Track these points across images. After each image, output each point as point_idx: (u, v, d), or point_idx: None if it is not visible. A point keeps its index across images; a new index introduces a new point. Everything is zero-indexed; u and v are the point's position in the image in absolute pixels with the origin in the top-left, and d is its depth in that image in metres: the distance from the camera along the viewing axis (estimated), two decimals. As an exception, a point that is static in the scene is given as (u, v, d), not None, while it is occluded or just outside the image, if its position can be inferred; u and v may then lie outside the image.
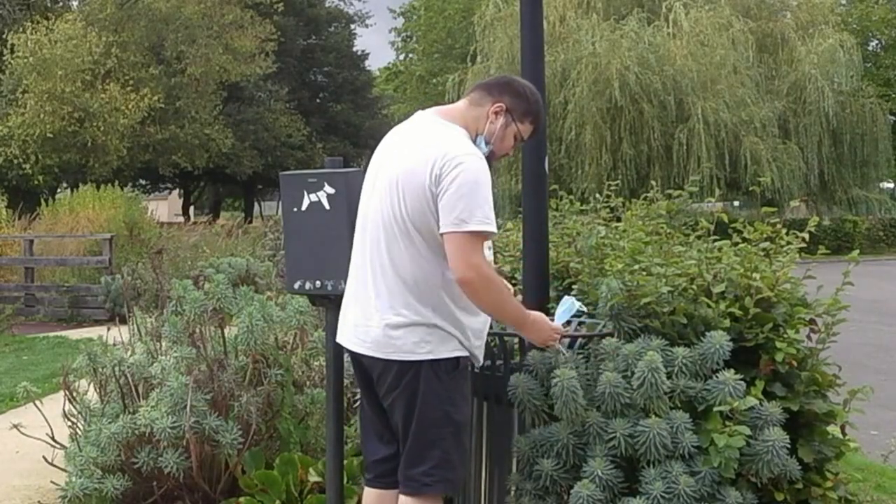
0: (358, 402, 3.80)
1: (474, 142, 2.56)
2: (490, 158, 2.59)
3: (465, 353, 2.52)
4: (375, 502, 2.68)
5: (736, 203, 27.88)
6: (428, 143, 2.48)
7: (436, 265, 2.45)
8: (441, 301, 2.46)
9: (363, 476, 3.53)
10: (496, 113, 2.58)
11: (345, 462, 3.25)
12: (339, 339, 2.70)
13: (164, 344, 3.93)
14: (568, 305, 2.76)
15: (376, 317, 2.51)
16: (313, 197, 3.01)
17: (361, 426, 2.81)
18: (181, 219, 31.99)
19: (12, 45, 20.60)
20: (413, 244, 2.46)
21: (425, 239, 2.45)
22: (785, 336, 2.77)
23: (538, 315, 2.63)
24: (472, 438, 2.95)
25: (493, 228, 2.38)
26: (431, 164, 2.40)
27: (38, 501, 3.95)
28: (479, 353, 2.61)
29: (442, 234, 2.39)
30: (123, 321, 4.78)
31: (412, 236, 2.46)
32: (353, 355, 2.65)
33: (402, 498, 2.55)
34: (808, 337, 2.91)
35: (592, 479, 2.48)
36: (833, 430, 2.86)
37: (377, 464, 2.67)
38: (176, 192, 40.61)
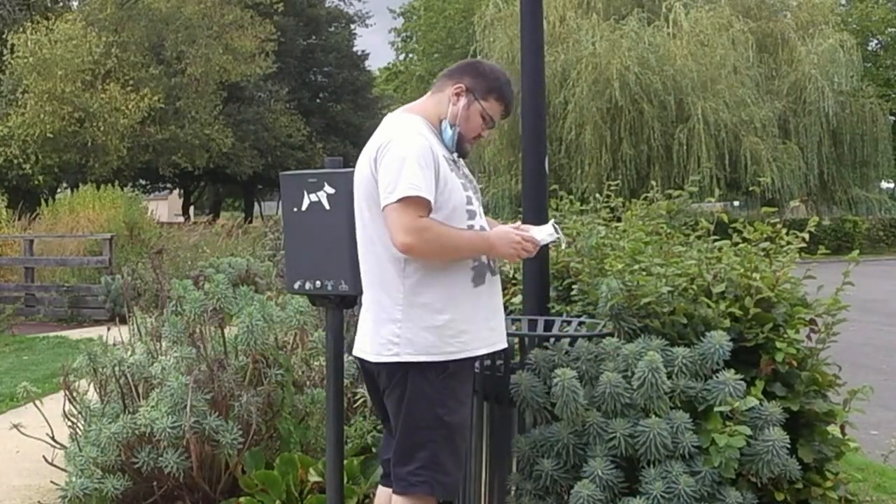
0: (358, 403, 3.82)
1: (439, 128, 2.56)
2: (461, 142, 2.58)
3: (443, 358, 2.44)
4: (385, 500, 2.69)
5: (736, 203, 27.88)
6: (375, 138, 2.53)
7: (392, 258, 2.46)
8: (401, 297, 2.45)
9: (363, 476, 3.55)
10: (457, 94, 2.57)
11: (345, 462, 3.25)
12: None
13: (164, 344, 3.93)
14: (546, 232, 2.56)
15: (361, 316, 2.60)
16: (313, 197, 3.01)
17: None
18: (181, 219, 31.97)
19: (12, 45, 20.60)
20: (372, 241, 2.50)
21: (380, 234, 2.46)
22: (785, 336, 2.77)
23: (498, 231, 2.52)
24: (472, 438, 2.95)
25: (423, 194, 2.33)
26: (374, 154, 2.46)
27: (38, 501, 3.95)
28: (469, 339, 2.47)
29: (382, 210, 2.40)
30: (123, 321, 4.78)
31: (370, 231, 2.50)
32: (359, 362, 2.66)
33: (393, 497, 2.56)
34: (808, 337, 2.91)
35: (592, 478, 2.48)
36: (833, 430, 2.86)
37: (386, 463, 2.69)
38: (176, 192, 40.58)
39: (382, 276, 2.48)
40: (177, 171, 28.69)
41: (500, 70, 2.67)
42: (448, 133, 2.55)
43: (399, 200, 2.33)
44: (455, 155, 2.58)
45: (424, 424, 2.46)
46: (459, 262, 2.47)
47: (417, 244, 2.34)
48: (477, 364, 2.89)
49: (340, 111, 35.78)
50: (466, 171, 2.64)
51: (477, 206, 2.57)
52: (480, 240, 2.48)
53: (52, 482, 3.65)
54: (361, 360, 2.62)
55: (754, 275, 2.86)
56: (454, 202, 2.46)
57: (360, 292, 2.66)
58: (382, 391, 2.56)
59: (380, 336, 2.47)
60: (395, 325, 2.44)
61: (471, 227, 2.50)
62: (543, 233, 2.54)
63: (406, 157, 2.37)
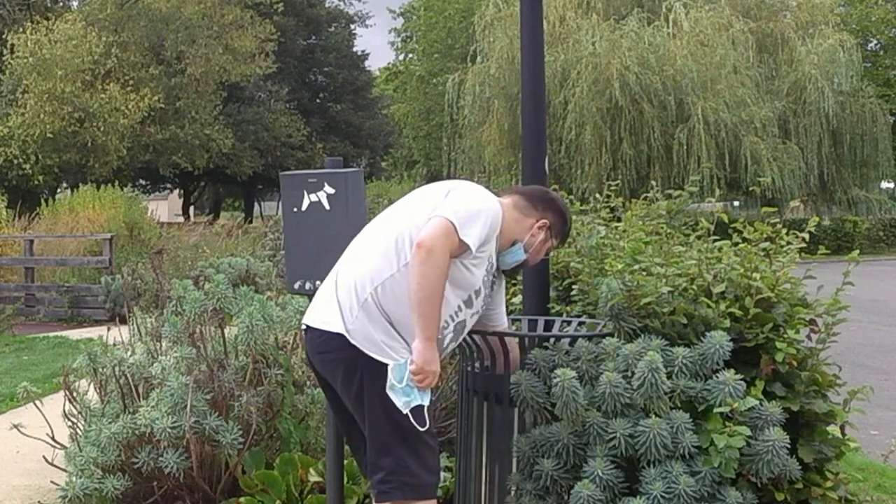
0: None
1: (511, 246, 2.70)
2: (521, 266, 2.77)
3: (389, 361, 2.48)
4: None
5: (736, 203, 27.86)
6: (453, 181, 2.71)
7: (397, 258, 2.52)
8: (376, 295, 2.50)
9: (363, 476, 3.54)
10: (540, 228, 2.74)
11: (345, 462, 3.25)
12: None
13: (164, 344, 3.93)
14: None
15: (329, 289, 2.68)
16: (313, 197, 3.01)
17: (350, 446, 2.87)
18: (181, 219, 32.00)
19: (12, 45, 20.62)
20: (399, 233, 2.54)
21: (410, 231, 2.52)
22: (785, 336, 2.77)
23: (434, 355, 2.51)
24: (473, 438, 2.95)
25: (472, 247, 2.48)
26: (449, 186, 2.63)
27: (39, 501, 3.95)
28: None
29: (431, 218, 2.47)
30: (123, 321, 4.78)
31: (401, 227, 2.55)
32: (313, 366, 2.69)
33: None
34: (809, 337, 2.90)
35: (593, 479, 2.48)
36: (833, 430, 2.85)
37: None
38: (176, 192, 40.59)
39: (379, 267, 2.51)
40: (177, 172, 28.74)
41: (569, 213, 2.91)
42: (517, 256, 2.72)
43: (455, 227, 2.44)
44: (497, 272, 2.74)
45: (384, 432, 2.49)
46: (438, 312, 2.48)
47: (430, 255, 2.41)
48: (477, 364, 2.90)
49: (340, 111, 35.79)
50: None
51: (468, 311, 2.62)
52: (433, 327, 2.47)
53: (52, 482, 3.65)
54: (315, 368, 2.66)
55: (754, 275, 2.86)
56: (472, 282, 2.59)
57: None
58: (341, 392, 2.58)
59: (341, 314, 2.51)
60: (350, 313, 2.49)
61: (459, 308, 2.58)
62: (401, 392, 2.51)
63: (483, 213, 2.53)
